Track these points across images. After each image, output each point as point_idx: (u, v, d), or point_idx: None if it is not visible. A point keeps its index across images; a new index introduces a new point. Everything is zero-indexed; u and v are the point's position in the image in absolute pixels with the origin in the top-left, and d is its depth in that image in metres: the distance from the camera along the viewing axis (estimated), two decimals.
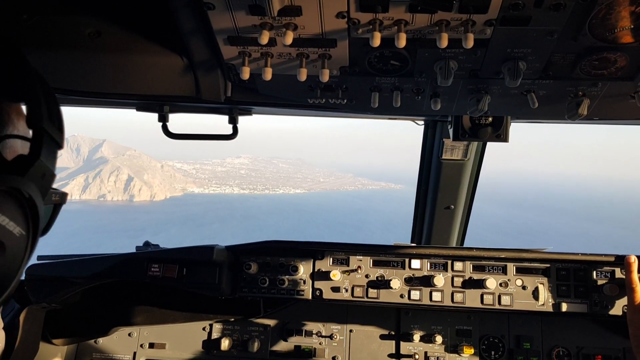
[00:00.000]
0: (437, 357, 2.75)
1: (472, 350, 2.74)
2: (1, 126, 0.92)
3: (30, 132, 0.91)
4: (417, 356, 2.77)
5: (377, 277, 2.52)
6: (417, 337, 2.75)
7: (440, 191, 3.17)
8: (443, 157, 2.94)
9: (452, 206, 3.22)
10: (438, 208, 3.25)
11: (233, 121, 2.24)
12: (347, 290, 2.53)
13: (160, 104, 2.15)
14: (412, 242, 3.60)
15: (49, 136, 0.91)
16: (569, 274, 2.47)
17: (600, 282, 2.44)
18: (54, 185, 0.99)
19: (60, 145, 0.96)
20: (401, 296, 2.49)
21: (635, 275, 2.22)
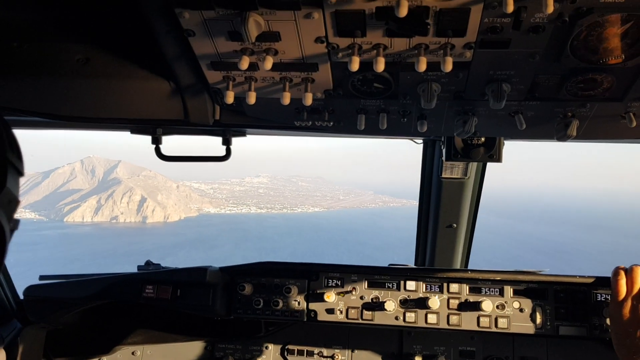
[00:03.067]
0: None
1: None
2: None
3: None
4: None
5: (372, 299, 2.57)
6: (419, 358, 2.80)
7: (442, 210, 3.21)
8: (443, 175, 2.99)
9: (454, 225, 3.25)
10: (440, 227, 3.29)
11: (227, 142, 2.33)
12: (341, 312, 2.58)
13: (153, 127, 2.25)
14: (415, 261, 3.64)
15: (12, 165, 0.97)
16: (567, 296, 2.48)
17: (599, 305, 2.45)
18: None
19: (21, 173, 1.02)
20: (396, 318, 2.53)
21: (622, 276, 2.26)
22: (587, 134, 1.80)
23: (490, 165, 3.10)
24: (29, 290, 2.63)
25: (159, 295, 2.51)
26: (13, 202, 0.99)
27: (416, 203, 3.51)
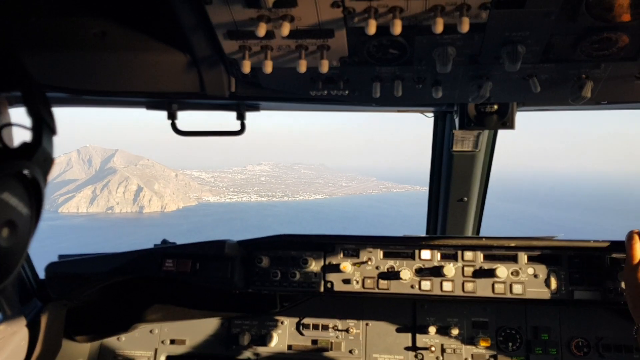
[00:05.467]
0: (454, 349, 2.90)
1: (489, 342, 2.88)
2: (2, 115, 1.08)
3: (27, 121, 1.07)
4: (433, 348, 2.93)
5: (387, 269, 2.68)
6: (433, 329, 2.91)
7: (453, 184, 3.31)
8: (454, 149, 3.06)
9: (465, 198, 3.35)
10: (451, 201, 3.39)
11: (241, 117, 2.40)
12: (357, 282, 2.69)
13: (169, 102, 2.32)
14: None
15: (46, 124, 1.06)
16: (581, 261, 2.59)
17: (613, 269, 2.55)
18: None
19: (55, 132, 1.10)
20: (412, 287, 2.65)
21: (636, 240, 2.34)
22: (601, 96, 1.87)
23: (500, 143, 3.19)
24: (51, 267, 2.74)
25: (179, 268, 2.63)
26: (48, 161, 1.08)
27: (419, 188, 3.61)
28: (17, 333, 2.66)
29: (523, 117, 2.57)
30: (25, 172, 0.99)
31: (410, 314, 3.01)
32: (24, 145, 1.03)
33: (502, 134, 3.12)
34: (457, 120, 2.39)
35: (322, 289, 2.71)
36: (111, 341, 3.19)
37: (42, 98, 1.08)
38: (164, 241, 3.01)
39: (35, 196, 1.03)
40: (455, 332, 2.89)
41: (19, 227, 0.99)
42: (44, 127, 1.05)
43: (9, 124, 1.10)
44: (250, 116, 2.45)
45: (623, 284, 2.42)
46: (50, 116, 1.10)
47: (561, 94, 1.86)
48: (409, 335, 2.98)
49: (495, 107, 2.27)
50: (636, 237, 2.34)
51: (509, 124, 2.29)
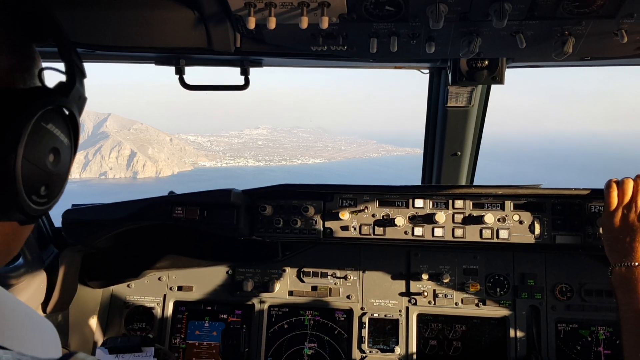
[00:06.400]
0: (445, 294, 3.15)
1: (478, 287, 3.12)
2: (38, 62, 1.20)
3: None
4: (425, 293, 3.17)
5: (382, 216, 2.88)
6: (425, 276, 3.15)
7: (447, 138, 3.48)
8: (448, 104, 3.21)
9: (459, 153, 3.54)
10: (445, 155, 3.58)
11: (245, 73, 2.53)
12: (355, 229, 2.90)
13: (177, 58, 2.45)
14: None
15: (78, 67, 1.22)
16: (563, 208, 2.78)
17: (593, 215, 2.74)
18: None
19: (85, 75, 1.26)
20: (405, 233, 2.85)
21: (614, 188, 2.50)
22: (582, 52, 2.00)
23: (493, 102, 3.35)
24: (68, 213, 2.94)
25: (188, 215, 2.82)
26: (82, 99, 1.25)
27: (419, 151, 3.77)
28: (37, 277, 2.88)
29: (516, 78, 2.72)
30: (64, 107, 1.14)
31: (405, 262, 3.24)
32: (61, 84, 1.18)
33: (497, 95, 3.26)
34: (450, 76, 2.54)
35: (322, 235, 2.91)
36: (122, 287, 3.43)
37: (72, 45, 1.22)
38: (171, 192, 3.21)
39: (72, 129, 1.19)
40: (447, 278, 3.11)
41: (61, 155, 1.13)
42: (76, 70, 1.20)
43: (49, 68, 1.24)
44: (252, 75, 2.57)
45: (601, 229, 2.60)
46: (80, 61, 1.24)
47: (546, 49, 1.98)
48: (403, 282, 3.22)
49: (486, 62, 2.40)
50: (614, 185, 2.50)
51: (498, 79, 2.43)
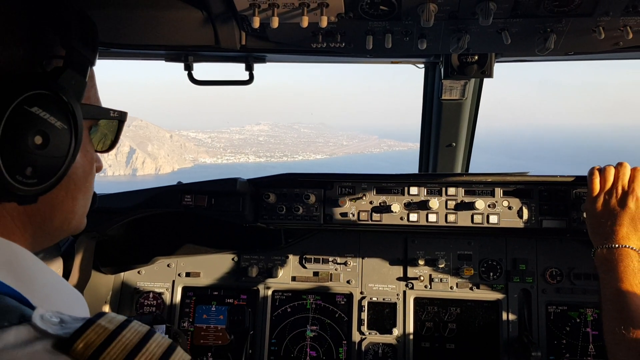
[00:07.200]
0: (441, 279, 3.33)
1: (472, 272, 3.30)
2: (49, 48, 1.27)
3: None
4: (422, 278, 3.36)
5: (380, 203, 3.07)
6: (422, 262, 3.32)
7: (442, 130, 3.67)
8: (443, 97, 3.39)
9: (454, 144, 3.73)
10: (441, 146, 3.77)
11: (249, 68, 2.69)
12: (353, 215, 3.09)
13: (186, 55, 2.60)
14: None
15: (78, 53, 1.28)
16: (550, 194, 2.96)
17: (577, 201, 2.93)
18: None
19: (90, 62, 1.33)
20: (401, 218, 3.04)
21: (596, 175, 2.65)
22: (565, 47, 2.16)
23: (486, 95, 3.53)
24: None
25: (197, 203, 3.01)
26: (78, 83, 1.29)
27: None
28: (54, 263, 3.05)
29: (506, 72, 2.91)
30: (52, 91, 1.17)
31: (402, 249, 3.42)
32: (54, 69, 1.24)
33: (489, 89, 3.43)
34: (442, 70, 2.71)
35: (322, 221, 3.10)
36: (132, 274, 3.61)
37: (84, 30, 1.32)
38: (179, 183, 3.39)
39: (71, 113, 1.20)
40: (442, 264, 3.29)
41: (51, 139, 1.15)
42: (74, 55, 1.26)
43: (54, 56, 1.28)
44: (256, 70, 2.72)
45: (584, 214, 2.76)
46: (90, 48, 1.33)
47: (530, 45, 2.14)
48: (401, 267, 3.40)
49: (476, 57, 2.57)
50: (596, 172, 2.66)
51: (487, 73, 2.59)
